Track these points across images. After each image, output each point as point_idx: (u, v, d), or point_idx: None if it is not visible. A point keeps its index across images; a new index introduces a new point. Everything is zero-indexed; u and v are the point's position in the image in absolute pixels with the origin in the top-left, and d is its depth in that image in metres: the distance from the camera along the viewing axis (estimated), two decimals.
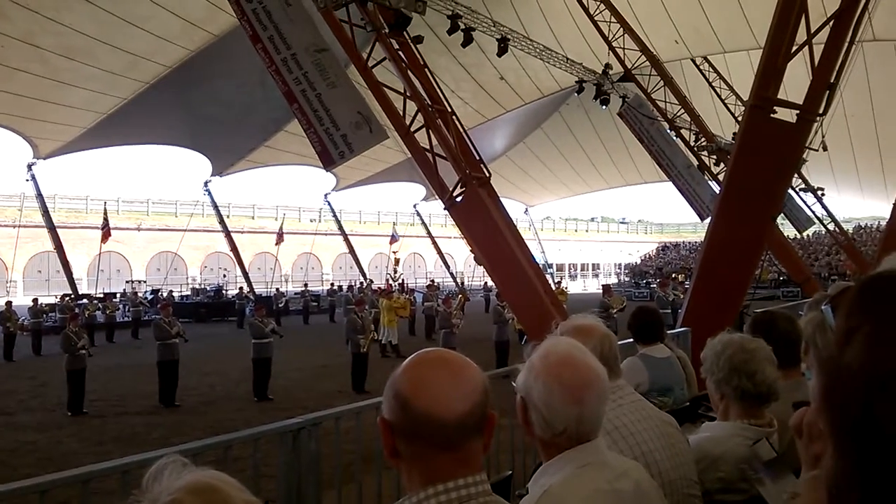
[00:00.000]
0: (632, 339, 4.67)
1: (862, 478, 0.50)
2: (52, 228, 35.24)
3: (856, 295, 0.54)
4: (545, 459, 1.72)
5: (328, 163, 13.09)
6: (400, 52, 13.64)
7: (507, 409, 1.92)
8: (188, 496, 0.88)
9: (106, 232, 33.49)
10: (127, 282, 38.97)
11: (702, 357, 2.52)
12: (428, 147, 13.51)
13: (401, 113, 13.50)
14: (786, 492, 0.85)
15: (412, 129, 13.50)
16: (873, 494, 0.49)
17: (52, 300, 29.48)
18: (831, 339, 0.54)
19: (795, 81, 9.92)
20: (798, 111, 9.28)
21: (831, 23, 9.05)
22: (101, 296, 31.05)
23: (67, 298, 29.40)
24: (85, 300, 29.66)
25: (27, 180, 34.15)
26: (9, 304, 22.52)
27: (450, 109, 14.04)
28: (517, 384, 1.73)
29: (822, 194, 33.94)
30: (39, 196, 35.02)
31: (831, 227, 33.78)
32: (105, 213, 34.54)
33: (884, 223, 33.45)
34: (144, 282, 40.12)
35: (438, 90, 14.10)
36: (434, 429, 1.28)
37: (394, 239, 45.35)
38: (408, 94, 13.51)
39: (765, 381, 2.35)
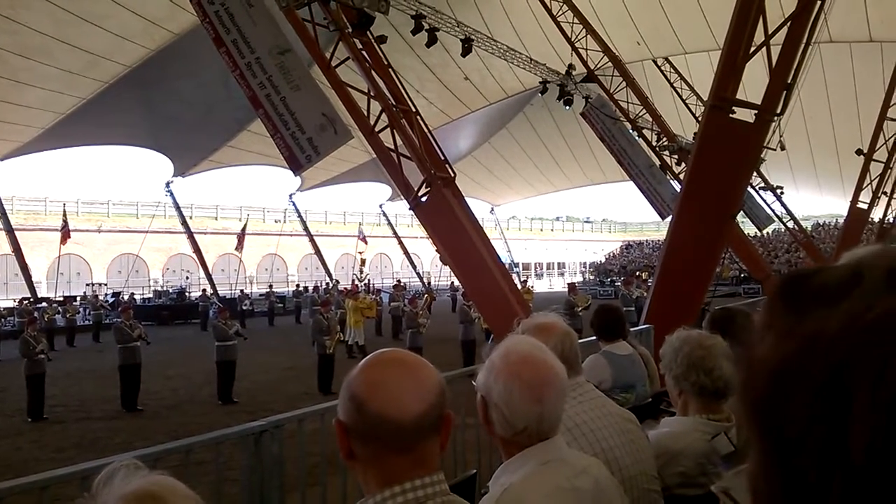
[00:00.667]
0: (595, 337, 4.71)
1: (777, 477, 0.50)
2: (9, 231, 34.50)
3: (773, 293, 0.55)
4: (506, 458, 1.73)
5: (296, 167, 13.04)
6: (363, 52, 13.59)
7: (472, 408, 1.92)
8: None
9: (65, 233, 32.93)
10: (87, 284, 38.34)
11: (660, 353, 2.56)
12: (392, 147, 13.48)
13: (365, 113, 13.46)
14: (721, 488, 0.85)
15: (376, 129, 13.46)
16: (780, 488, 0.50)
17: (10, 304, 28.93)
18: (752, 338, 0.54)
19: (754, 82, 10.08)
20: (756, 111, 9.43)
21: (788, 24, 9.20)
22: (61, 299, 30.52)
23: (26, 302, 28.90)
24: (44, 304, 29.09)
25: None
26: None
27: (414, 109, 14.02)
28: (477, 383, 1.74)
29: (781, 193, 34.45)
30: None
31: (790, 224, 34.30)
32: (64, 214, 33.94)
33: (841, 221, 34.21)
34: (105, 284, 39.47)
35: (403, 90, 14.07)
36: (389, 430, 1.28)
37: (364, 239, 45.13)
38: (372, 93, 13.47)
39: (722, 377, 2.39)
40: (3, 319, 24.36)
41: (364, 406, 1.29)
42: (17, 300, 29.74)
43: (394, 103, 13.64)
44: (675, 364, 2.46)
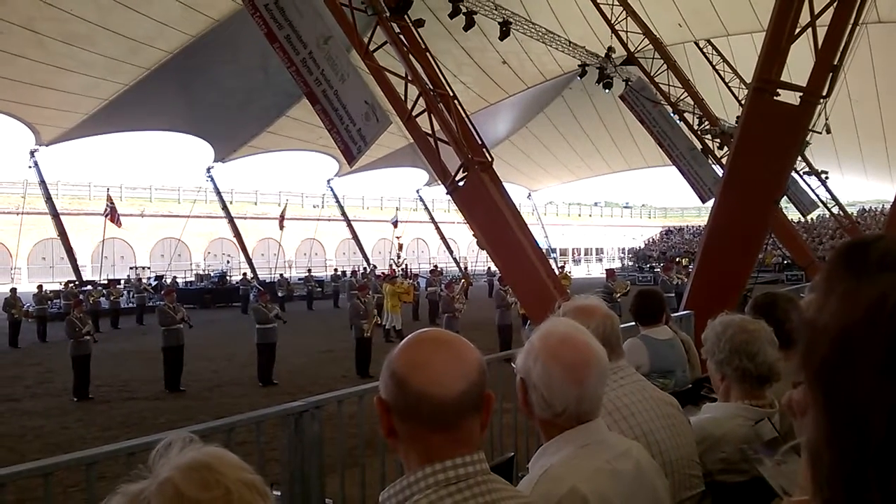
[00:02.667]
0: (634, 322, 4.66)
1: (842, 442, 0.50)
2: (55, 215, 35.23)
3: (833, 259, 0.54)
4: (546, 440, 1.72)
5: (350, 158, 13.39)
6: (401, 36, 13.56)
7: (509, 392, 1.92)
8: (180, 474, 0.91)
9: (112, 216, 33.43)
10: (131, 268, 39.11)
11: (703, 338, 2.52)
12: (430, 132, 13.46)
13: (402, 97, 13.44)
14: (776, 460, 0.85)
15: (414, 113, 13.43)
16: (845, 452, 0.49)
17: (56, 287, 29.58)
18: (813, 304, 0.54)
19: (799, 64, 9.86)
20: (801, 93, 9.22)
21: (835, 4, 8.98)
22: (106, 282, 31.14)
23: (72, 285, 29.51)
24: (89, 286, 29.72)
25: (30, 167, 34.15)
26: (13, 291, 22.59)
27: (451, 94, 13.96)
28: (517, 365, 1.73)
29: (826, 177, 33.73)
30: (42, 183, 34.98)
31: (835, 210, 33.61)
32: (109, 199, 34.54)
33: (888, 206, 33.38)
34: (149, 268, 40.23)
35: (440, 74, 14.02)
36: (431, 408, 1.28)
37: (394, 224, 45.31)
38: (409, 78, 13.44)
39: (765, 362, 2.35)
40: (49, 302, 24.89)
41: (406, 383, 1.29)
42: (63, 283, 30.38)
43: (431, 87, 13.59)
44: (718, 349, 2.42)
